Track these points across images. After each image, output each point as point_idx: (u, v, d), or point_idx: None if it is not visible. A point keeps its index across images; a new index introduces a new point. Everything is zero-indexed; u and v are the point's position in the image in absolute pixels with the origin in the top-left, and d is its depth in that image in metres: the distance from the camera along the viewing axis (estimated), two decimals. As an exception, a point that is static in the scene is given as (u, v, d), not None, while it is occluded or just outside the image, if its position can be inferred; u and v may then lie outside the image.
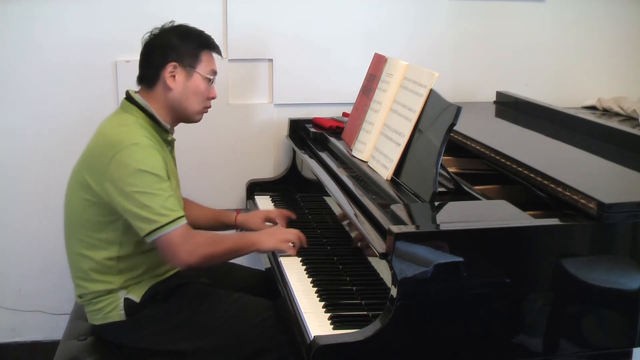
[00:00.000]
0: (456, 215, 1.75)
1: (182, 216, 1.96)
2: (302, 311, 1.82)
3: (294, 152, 2.83)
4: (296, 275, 2.04)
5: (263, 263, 2.44)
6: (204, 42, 2.13)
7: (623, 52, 3.22)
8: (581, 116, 2.57)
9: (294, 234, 2.16)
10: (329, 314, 1.80)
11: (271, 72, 2.89)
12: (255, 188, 2.85)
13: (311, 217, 2.51)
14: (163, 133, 2.10)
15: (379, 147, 2.14)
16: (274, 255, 2.17)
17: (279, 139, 2.95)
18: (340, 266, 2.09)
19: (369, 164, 2.17)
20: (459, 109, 1.80)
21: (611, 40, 3.20)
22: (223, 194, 2.92)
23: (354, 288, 1.95)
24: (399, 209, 1.74)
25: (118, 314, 2.04)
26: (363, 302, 1.87)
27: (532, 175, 1.94)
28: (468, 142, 2.30)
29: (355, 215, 1.93)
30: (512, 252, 1.69)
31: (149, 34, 2.12)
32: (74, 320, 2.23)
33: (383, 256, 1.65)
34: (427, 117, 1.95)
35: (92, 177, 1.98)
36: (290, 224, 2.39)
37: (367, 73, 2.40)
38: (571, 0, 3.12)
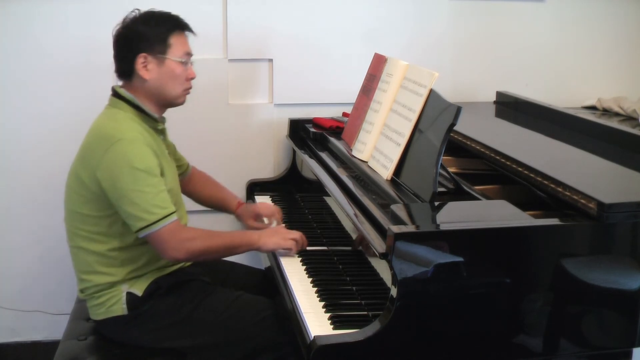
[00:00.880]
0: (456, 215, 1.75)
1: (172, 212, 1.96)
2: (302, 311, 1.83)
3: (294, 152, 2.83)
4: (296, 275, 2.04)
5: (263, 262, 2.44)
6: (172, 25, 2.07)
7: (623, 52, 3.22)
8: (581, 116, 2.57)
9: (295, 235, 2.16)
10: (329, 314, 1.80)
11: (271, 72, 2.89)
12: (255, 188, 2.85)
13: (311, 217, 2.51)
14: (153, 123, 2.09)
15: (379, 147, 2.14)
16: (274, 255, 2.17)
17: (279, 139, 2.94)
18: (340, 266, 2.09)
19: (369, 164, 2.17)
20: (459, 109, 1.80)
21: (611, 40, 3.20)
22: (223, 194, 2.92)
23: (354, 288, 1.95)
24: (399, 209, 1.74)
25: (120, 308, 2.04)
26: (363, 302, 1.87)
27: (532, 175, 1.94)
28: (468, 142, 2.30)
29: (355, 215, 1.93)
30: (512, 252, 1.69)
31: (118, 26, 2.08)
32: (74, 320, 2.23)
33: (383, 256, 1.65)
34: (427, 117, 1.95)
35: (86, 173, 1.99)
36: (290, 224, 2.39)
37: (367, 73, 2.40)
38: (571, 0, 3.12)
